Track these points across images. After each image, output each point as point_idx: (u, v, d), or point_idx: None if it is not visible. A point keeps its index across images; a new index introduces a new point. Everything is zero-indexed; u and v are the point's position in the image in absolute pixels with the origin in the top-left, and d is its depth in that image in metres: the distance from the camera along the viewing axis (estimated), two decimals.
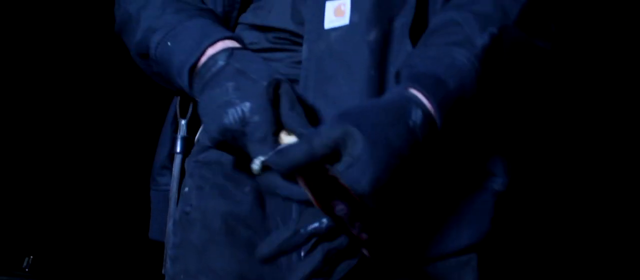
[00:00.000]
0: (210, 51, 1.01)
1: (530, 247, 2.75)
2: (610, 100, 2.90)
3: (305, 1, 1.10)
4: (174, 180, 1.17)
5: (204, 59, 1.01)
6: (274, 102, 0.93)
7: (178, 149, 1.18)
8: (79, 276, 2.85)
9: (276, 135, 0.92)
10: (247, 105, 0.92)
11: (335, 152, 0.84)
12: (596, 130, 2.89)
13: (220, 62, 0.98)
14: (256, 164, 0.89)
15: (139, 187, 1.29)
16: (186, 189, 1.15)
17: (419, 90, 0.91)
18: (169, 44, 1.05)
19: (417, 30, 1.06)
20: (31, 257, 2.61)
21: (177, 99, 1.20)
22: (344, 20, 1.05)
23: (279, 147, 0.88)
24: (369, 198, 0.83)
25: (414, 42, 1.04)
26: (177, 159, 1.18)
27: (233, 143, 0.95)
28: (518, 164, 1.16)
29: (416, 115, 0.88)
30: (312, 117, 1.00)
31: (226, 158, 1.12)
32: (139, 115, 2.84)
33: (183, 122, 1.18)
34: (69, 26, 2.99)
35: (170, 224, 1.15)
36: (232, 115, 0.92)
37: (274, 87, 0.94)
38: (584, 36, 2.79)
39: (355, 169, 0.82)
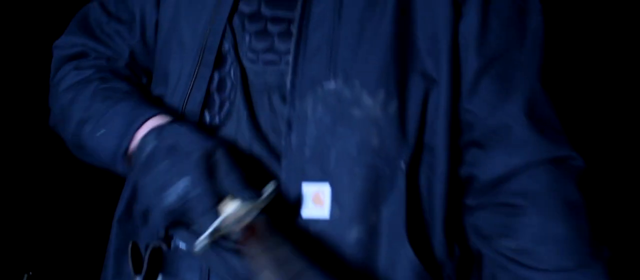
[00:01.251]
0: (140, 133, 0.97)
1: None
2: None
3: (276, 169, 0.98)
4: None
5: (134, 143, 0.97)
6: (211, 171, 0.90)
7: None
8: None
9: (219, 203, 0.89)
10: (184, 180, 0.88)
11: None
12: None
13: (151, 144, 0.93)
14: (197, 247, 0.87)
15: None
16: None
17: None
18: (97, 134, 1.02)
19: (413, 222, 0.96)
20: (30, 272, 2.62)
21: (129, 249, 1.05)
22: (324, 212, 0.95)
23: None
24: None
25: (411, 237, 0.94)
26: None
27: (180, 224, 0.92)
28: None
29: None
30: (262, 173, 0.97)
31: None
32: None
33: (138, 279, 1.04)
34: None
35: None
36: (171, 195, 0.88)
37: (208, 156, 0.90)
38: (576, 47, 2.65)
39: None
